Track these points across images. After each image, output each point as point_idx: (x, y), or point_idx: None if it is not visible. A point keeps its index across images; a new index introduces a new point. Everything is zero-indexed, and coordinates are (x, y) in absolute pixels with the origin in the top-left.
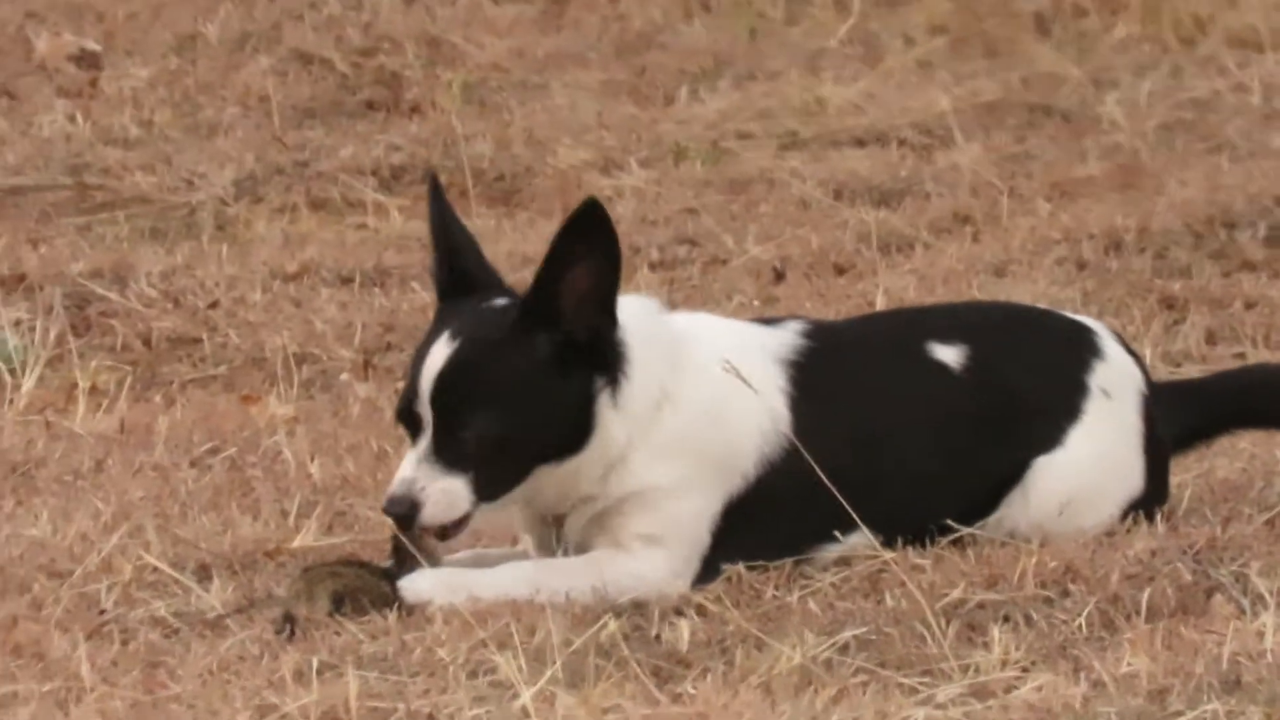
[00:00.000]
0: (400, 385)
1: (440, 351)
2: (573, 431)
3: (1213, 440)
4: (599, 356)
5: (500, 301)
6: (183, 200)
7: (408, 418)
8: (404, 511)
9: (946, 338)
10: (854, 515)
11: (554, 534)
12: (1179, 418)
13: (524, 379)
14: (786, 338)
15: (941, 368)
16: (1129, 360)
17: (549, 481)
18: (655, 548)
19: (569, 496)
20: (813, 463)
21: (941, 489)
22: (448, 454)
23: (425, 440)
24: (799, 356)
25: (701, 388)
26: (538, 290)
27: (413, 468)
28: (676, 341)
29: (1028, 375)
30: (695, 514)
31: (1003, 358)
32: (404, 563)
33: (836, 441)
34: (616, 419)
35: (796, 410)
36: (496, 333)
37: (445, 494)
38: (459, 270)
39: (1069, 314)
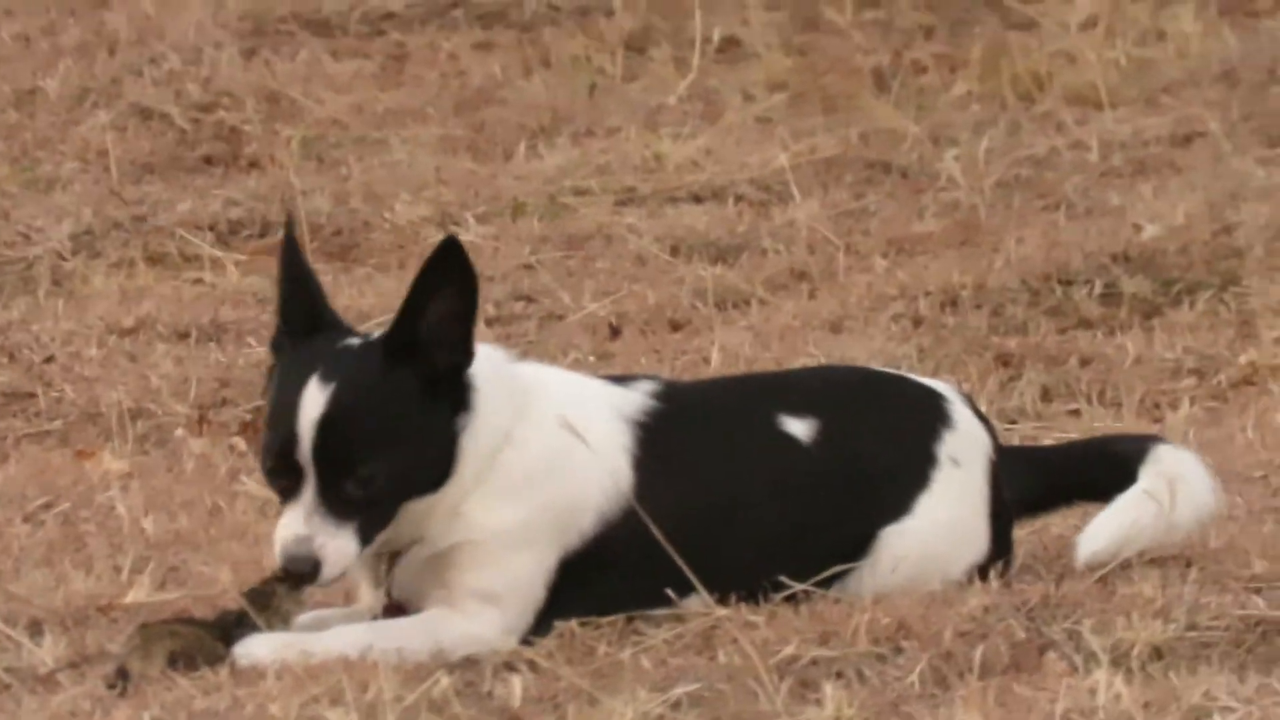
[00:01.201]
0: (262, 438)
1: (315, 398)
2: (440, 467)
3: (1054, 509)
4: (456, 391)
5: (353, 341)
6: (19, 255)
7: (284, 469)
8: (307, 570)
9: (797, 409)
10: (694, 581)
11: (385, 570)
12: (1023, 484)
13: (401, 418)
14: (635, 398)
15: (790, 440)
16: (978, 426)
17: (405, 518)
18: (489, 606)
19: (415, 532)
20: (653, 526)
21: (785, 558)
22: (335, 504)
23: (309, 491)
24: (646, 417)
25: (545, 437)
26: (400, 325)
27: (303, 522)
28: (523, 389)
29: (877, 447)
30: (531, 569)
31: (853, 430)
32: (244, 625)
33: (679, 505)
34: (470, 456)
35: (640, 470)
36: (368, 373)
37: (339, 551)
38: (309, 311)
39: (918, 379)
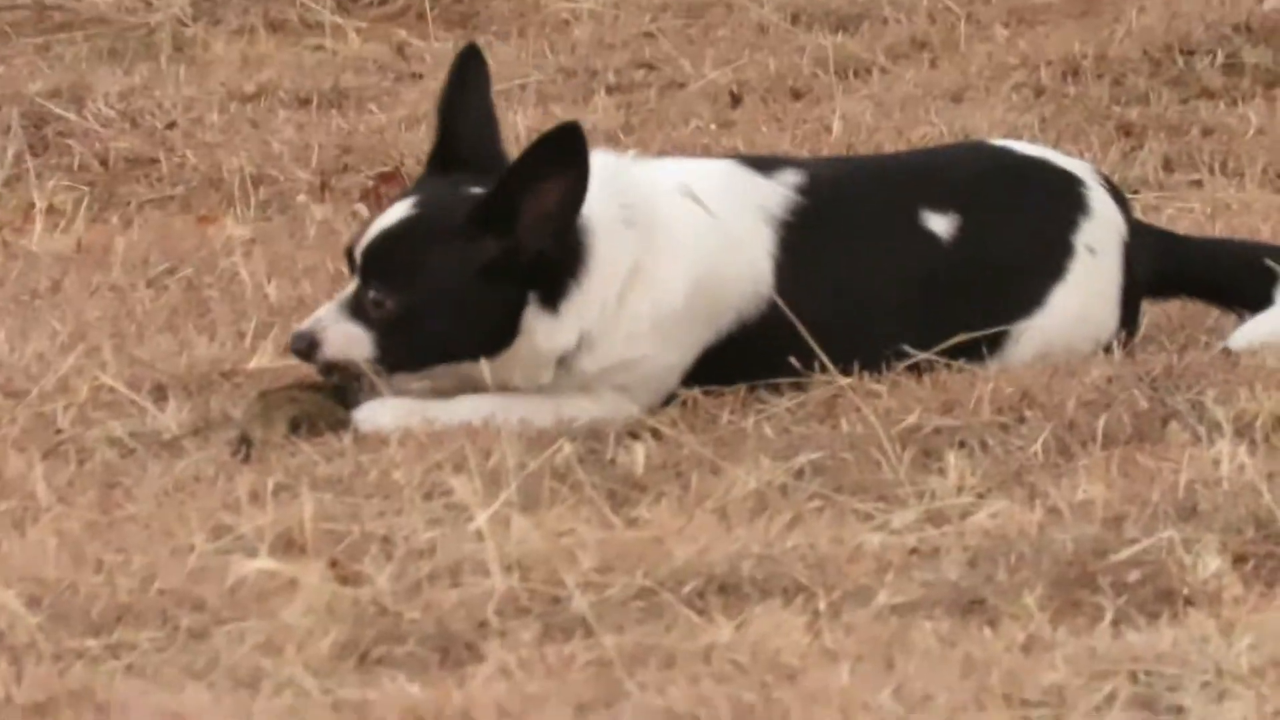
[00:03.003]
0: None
1: (395, 212)
2: (485, 338)
3: (1177, 298)
4: (538, 274)
5: (476, 190)
6: (141, 21)
7: (348, 258)
8: (303, 348)
9: (939, 204)
10: (826, 362)
11: None
12: (1156, 268)
13: (449, 274)
14: (779, 193)
15: (931, 238)
16: (1114, 209)
17: (481, 374)
18: (622, 395)
19: (513, 384)
20: (793, 317)
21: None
22: (357, 306)
23: (350, 287)
24: (790, 215)
25: (687, 263)
26: (499, 195)
27: (326, 310)
28: (650, 212)
29: (1015, 241)
30: (669, 369)
31: (992, 224)
32: (362, 387)
33: (816, 306)
34: (547, 327)
35: (781, 274)
36: (449, 220)
37: (345, 335)
38: (451, 151)
39: (1058, 161)
